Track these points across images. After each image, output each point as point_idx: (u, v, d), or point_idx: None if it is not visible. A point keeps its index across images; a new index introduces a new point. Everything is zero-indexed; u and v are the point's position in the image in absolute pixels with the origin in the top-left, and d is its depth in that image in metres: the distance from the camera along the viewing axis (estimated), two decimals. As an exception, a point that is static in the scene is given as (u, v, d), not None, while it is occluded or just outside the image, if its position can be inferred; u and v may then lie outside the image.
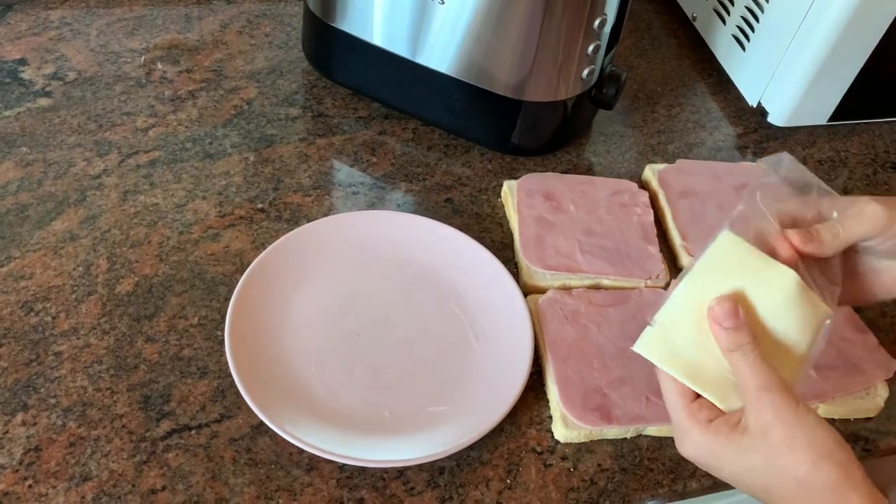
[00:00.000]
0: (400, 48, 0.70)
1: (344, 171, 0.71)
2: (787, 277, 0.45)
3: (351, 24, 0.71)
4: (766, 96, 0.80)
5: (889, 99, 0.83)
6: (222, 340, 0.56)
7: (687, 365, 0.46)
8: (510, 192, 0.69)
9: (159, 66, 0.77)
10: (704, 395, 0.45)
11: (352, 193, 0.69)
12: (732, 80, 0.85)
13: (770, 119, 0.81)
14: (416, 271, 0.63)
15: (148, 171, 0.68)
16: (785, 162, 0.50)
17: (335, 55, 0.75)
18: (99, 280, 0.60)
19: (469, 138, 0.75)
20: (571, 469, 0.54)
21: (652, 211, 0.69)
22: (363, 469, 0.52)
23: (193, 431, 0.53)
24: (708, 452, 0.44)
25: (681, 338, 0.46)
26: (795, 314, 0.45)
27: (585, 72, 0.69)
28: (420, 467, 0.53)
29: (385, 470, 0.52)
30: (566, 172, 0.74)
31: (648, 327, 0.47)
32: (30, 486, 0.49)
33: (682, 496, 0.55)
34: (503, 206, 0.70)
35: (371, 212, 0.67)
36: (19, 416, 0.52)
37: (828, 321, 0.45)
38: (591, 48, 0.67)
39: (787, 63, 0.76)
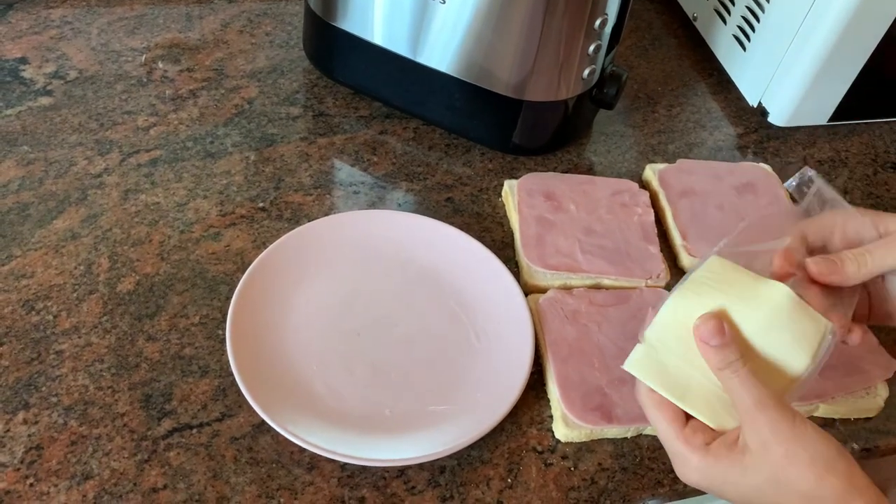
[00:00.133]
0: (401, 47, 0.70)
1: (345, 171, 0.71)
2: (778, 292, 0.44)
3: (352, 23, 0.71)
4: (767, 96, 0.80)
5: (889, 99, 0.83)
6: (223, 339, 0.56)
7: (676, 384, 0.45)
8: (511, 192, 0.69)
9: (160, 65, 0.77)
10: (695, 414, 0.45)
11: (353, 193, 0.69)
12: (733, 80, 0.85)
13: (770, 119, 0.81)
14: (417, 271, 0.63)
15: (149, 170, 0.68)
16: (815, 182, 0.49)
17: (336, 54, 0.75)
18: (100, 279, 0.60)
19: (470, 138, 0.75)
20: (572, 468, 0.54)
21: (652, 211, 0.69)
22: (364, 468, 0.52)
23: (195, 430, 0.53)
24: (710, 477, 0.43)
25: (669, 356, 0.45)
26: (789, 329, 0.44)
27: (586, 71, 0.69)
28: (421, 466, 0.53)
29: (386, 469, 0.52)
30: (567, 172, 0.74)
31: (638, 345, 0.47)
32: (31, 485, 0.49)
33: (682, 496, 0.55)
34: (504, 205, 0.70)
35: (372, 211, 0.67)
36: (20, 415, 0.52)
37: (829, 335, 0.44)
38: (591, 48, 0.67)
39: (787, 63, 0.77)
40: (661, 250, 0.67)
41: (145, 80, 0.76)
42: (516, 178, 0.70)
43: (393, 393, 0.56)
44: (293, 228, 0.63)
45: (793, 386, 0.44)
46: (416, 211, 0.68)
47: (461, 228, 0.64)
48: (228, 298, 0.58)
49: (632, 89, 0.85)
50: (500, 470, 0.53)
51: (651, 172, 0.73)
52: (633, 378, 0.48)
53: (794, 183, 0.52)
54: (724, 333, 0.43)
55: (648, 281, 0.64)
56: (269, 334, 0.57)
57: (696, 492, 0.55)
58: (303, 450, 0.52)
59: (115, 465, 0.50)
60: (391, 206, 0.69)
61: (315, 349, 0.57)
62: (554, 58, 0.66)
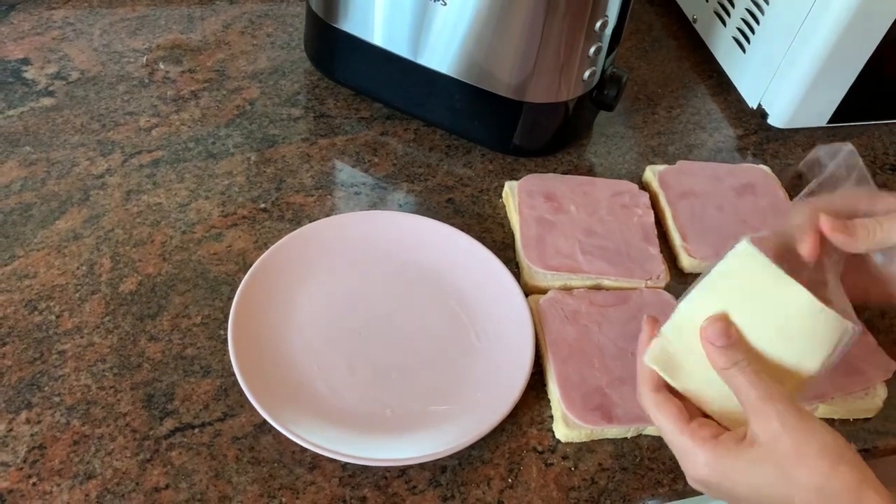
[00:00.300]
0: (401, 49, 0.70)
1: (346, 172, 0.71)
2: (797, 298, 0.43)
3: (353, 24, 0.71)
4: (767, 98, 0.80)
5: (889, 101, 0.83)
6: (225, 340, 0.56)
7: (690, 379, 0.45)
8: (511, 193, 0.69)
9: (162, 66, 0.78)
10: (707, 410, 0.45)
11: (354, 194, 0.70)
12: (733, 82, 0.86)
13: (770, 121, 0.81)
14: (418, 271, 0.63)
15: (151, 170, 0.68)
16: (844, 152, 0.48)
17: (337, 56, 0.76)
18: (102, 279, 0.60)
19: (470, 139, 0.76)
20: (572, 468, 0.54)
21: (652, 212, 0.70)
22: (365, 468, 0.52)
23: (197, 430, 0.53)
24: (719, 472, 0.43)
25: (685, 351, 0.46)
26: (803, 336, 0.44)
27: (587, 73, 0.69)
28: (422, 466, 0.53)
29: (387, 469, 0.52)
30: (567, 173, 0.74)
31: (655, 338, 0.47)
32: (34, 484, 0.49)
33: (682, 496, 0.55)
34: (504, 206, 0.70)
35: (373, 212, 0.67)
36: (23, 415, 0.52)
37: (847, 337, 0.44)
38: (592, 50, 0.67)
39: (787, 65, 0.77)
40: (661, 251, 0.67)
41: (147, 80, 0.76)
42: (517, 179, 0.70)
43: (394, 393, 0.56)
44: (295, 229, 0.63)
45: (803, 387, 0.44)
46: (417, 212, 0.68)
47: (462, 229, 0.65)
48: (230, 299, 0.58)
49: (632, 91, 0.85)
50: (500, 470, 0.54)
51: (651, 174, 0.74)
52: (633, 378, 0.48)
53: (822, 153, 0.51)
54: (730, 335, 0.43)
55: (648, 282, 0.64)
56: (270, 334, 0.57)
57: (697, 492, 0.56)
58: (304, 449, 0.52)
59: (118, 465, 0.51)
60: (392, 207, 0.69)
61: (316, 349, 0.57)
62: (554, 59, 0.66)
